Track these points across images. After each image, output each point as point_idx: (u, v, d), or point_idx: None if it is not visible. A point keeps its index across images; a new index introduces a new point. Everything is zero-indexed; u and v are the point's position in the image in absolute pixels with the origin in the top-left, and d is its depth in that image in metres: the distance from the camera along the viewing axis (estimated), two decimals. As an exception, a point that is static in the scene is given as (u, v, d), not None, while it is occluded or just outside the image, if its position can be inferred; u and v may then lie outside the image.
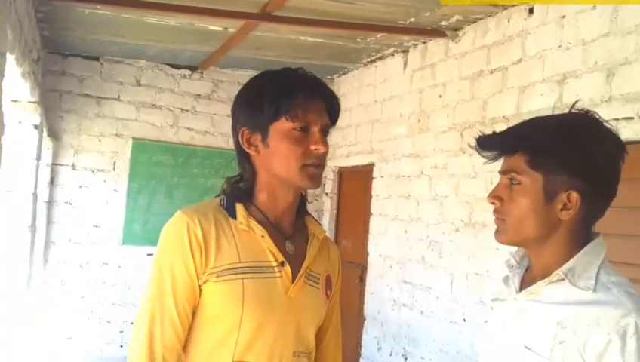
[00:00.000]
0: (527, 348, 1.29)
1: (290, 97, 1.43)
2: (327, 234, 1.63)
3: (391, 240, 5.79)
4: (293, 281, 1.47)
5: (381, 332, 5.83)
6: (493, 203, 1.39)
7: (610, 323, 1.19)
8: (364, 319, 6.15)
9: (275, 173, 1.47)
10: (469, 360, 4.56)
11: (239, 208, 1.48)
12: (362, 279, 6.35)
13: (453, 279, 4.85)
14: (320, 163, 1.47)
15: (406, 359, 5.42)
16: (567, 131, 1.32)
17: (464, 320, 4.69)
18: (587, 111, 1.36)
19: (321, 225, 1.62)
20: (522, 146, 1.33)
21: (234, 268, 1.42)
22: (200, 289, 1.42)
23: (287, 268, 1.47)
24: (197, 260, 1.41)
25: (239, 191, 1.52)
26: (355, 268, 6.53)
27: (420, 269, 5.30)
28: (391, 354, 5.65)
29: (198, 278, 1.42)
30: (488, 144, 1.38)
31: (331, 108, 1.51)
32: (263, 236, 1.46)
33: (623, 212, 3.22)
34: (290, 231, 1.54)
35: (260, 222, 1.47)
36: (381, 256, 5.95)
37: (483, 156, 1.40)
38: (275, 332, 1.44)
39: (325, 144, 1.46)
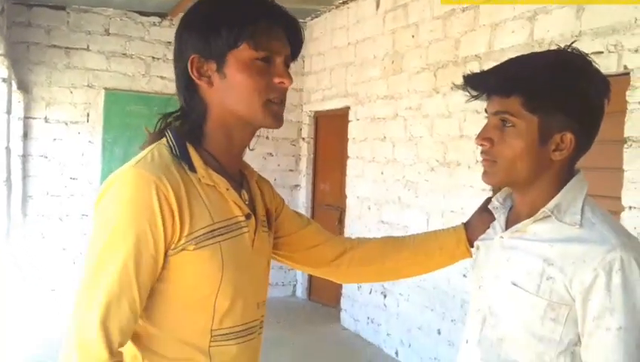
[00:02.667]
0: (515, 285, 1.30)
1: (253, 22, 1.26)
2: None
3: (368, 182, 5.87)
4: (255, 232, 1.35)
5: (361, 271, 5.96)
6: (482, 144, 1.33)
7: (596, 259, 1.20)
8: (344, 260, 6.27)
9: (232, 109, 1.30)
10: (445, 295, 4.72)
11: (194, 156, 1.28)
12: (341, 221, 6.45)
13: (430, 217, 4.96)
14: (283, 99, 1.32)
15: (385, 296, 5.58)
16: (563, 72, 1.27)
17: (441, 256, 4.81)
18: (574, 49, 1.31)
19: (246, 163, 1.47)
20: (519, 88, 1.27)
21: (210, 231, 1.24)
22: (166, 260, 1.22)
23: (253, 220, 1.34)
24: (168, 230, 1.20)
25: (186, 133, 1.32)
26: (334, 211, 6.64)
27: (396, 209, 5.40)
28: (370, 292, 5.81)
29: (167, 250, 1.21)
30: (479, 83, 1.32)
31: (294, 40, 1.35)
32: (227, 189, 1.29)
33: (595, 145, 3.31)
34: (239, 176, 1.40)
35: (217, 171, 1.29)
36: (359, 198, 6.04)
37: (469, 94, 1.34)
38: (247, 291, 1.33)
39: (290, 77, 1.30)
